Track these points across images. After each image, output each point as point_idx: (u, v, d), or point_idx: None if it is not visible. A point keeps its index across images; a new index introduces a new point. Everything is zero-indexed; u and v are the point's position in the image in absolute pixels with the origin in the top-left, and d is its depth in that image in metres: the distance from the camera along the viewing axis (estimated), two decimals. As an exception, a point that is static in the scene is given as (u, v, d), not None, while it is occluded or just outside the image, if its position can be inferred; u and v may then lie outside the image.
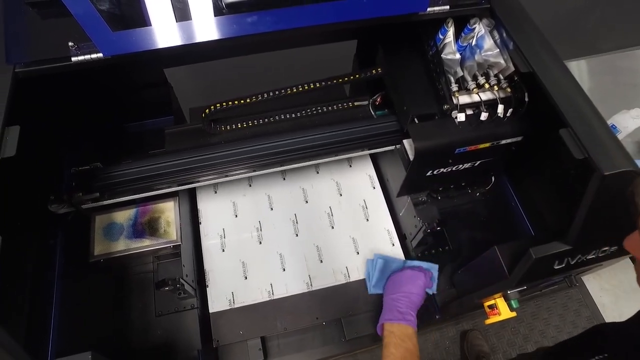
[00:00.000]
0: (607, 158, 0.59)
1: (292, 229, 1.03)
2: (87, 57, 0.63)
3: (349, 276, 0.98)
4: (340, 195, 1.07)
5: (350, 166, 1.12)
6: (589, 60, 1.50)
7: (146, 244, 0.89)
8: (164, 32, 0.62)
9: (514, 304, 0.77)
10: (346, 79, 0.94)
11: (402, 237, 1.04)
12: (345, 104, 1.00)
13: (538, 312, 1.78)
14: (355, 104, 1.01)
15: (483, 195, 1.05)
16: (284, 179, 1.09)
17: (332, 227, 1.03)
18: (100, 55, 0.63)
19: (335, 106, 1.00)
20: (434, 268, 0.94)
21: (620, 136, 1.19)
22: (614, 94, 1.44)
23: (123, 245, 0.89)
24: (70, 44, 0.62)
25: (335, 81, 0.94)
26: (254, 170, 0.89)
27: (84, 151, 0.91)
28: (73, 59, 0.63)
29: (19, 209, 0.75)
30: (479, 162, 0.88)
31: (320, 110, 0.99)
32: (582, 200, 0.62)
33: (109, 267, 0.92)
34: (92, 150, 0.92)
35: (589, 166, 0.60)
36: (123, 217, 0.92)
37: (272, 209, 1.05)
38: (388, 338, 0.77)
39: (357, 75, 0.94)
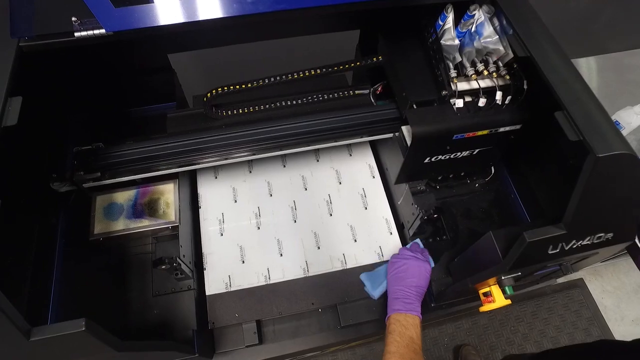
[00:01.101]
0: (602, 140, 0.59)
1: (291, 216, 1.03)
2: (90, 32, 0.64)
3: (345, 263, 0.98)
4: (340, 183, 1.08)
5: (351, 155, 1.12)
6: (596, 57, 1.50)
7: (145, 224, 0.90)
8: (166, 10, 0.64)
9: (508, 290, 0.76)
10: (347, 66, 0.95)
11: (400, 227, 1.04)
12: (346, 92, 1.01)
13: (538, 312, 1.77)
14: (357, 92, 1.02)
15: (482, 187, 1.04)
16: (284, 166, 1.10)
17: (331, 215, 1.04)
18: (102, 31, 0.64)
19: (336, 94, 1.00)
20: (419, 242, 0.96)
21: (623, 132, 1.18)
22: (620, 91, 1.43)
23: (122, 225, 0.90)
24: (73, 19, 0.63)
25: (336, 68, 0.95)
26: (255, 154, 0.90)
27: (86, 131, 0.93)
28: (76, 34, 0.64)
29: (21, 182, 0.77)
30: (477, 150, 0.88)
31: (321, 98, 0.99)
32: (576, 183, 0.62)
33: (108, 246, 0.93)
34: (95, 131, 0.93)
35: (583, 148, 0.60)
36: (123, 197, 0.93)
37: (271, 195, 1.06)
38: (394, 325, 0.79)
39: (358, 63, 0.94)
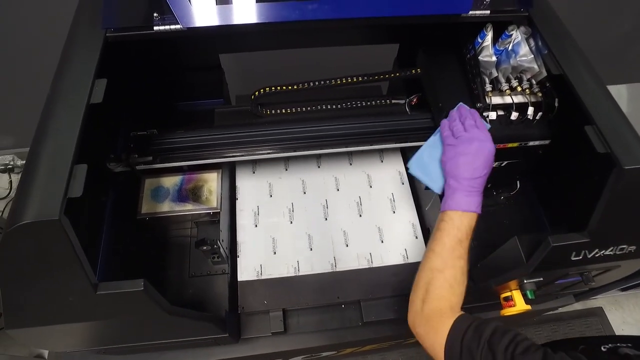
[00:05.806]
0: (628, 153, 0.63)
1: (322, 213, 1.09)
2: (168, 27, 0.72)
3: (372, 262, 1.03)
4: (370, 187, 1.13)
5: (382, 161, 1.18)
6: (628, 86, 1.53)
7: (189, 208, 0.97)
8: (241, 10, 0.72)
9: (529, 294, 0.80)
10: (387, 75, 1.02)
11: (425, 231, 1.08)
12: (383, 101, 1.08)
13: (553, 336, 1.77)
14: (393, 101, 1.08)
15: (507, 200, 1.08)
16: (319, 166, 1.16)
17: (360, 215, 1.09)
18: (179, 26, 0.72)
19: (374, 101, 1.07)
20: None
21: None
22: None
23: (167, 207, 0.97)
24: (155, 14, 0.72)
25: (377, 77, 1.02)
26: (294, 151, 0.97)
27: (138, 119, 1.01)
28: (155, 28, 0.73)
29: (88, 158, 0.84)
30: (506, 162, 0.93)
31: (359, 104, 1.06)
32: (601, 194, 0.66)
33: (152, 226, 1.00)
34: (146, 120, 1.01)
35: (610, 161, 0.64)
36: (170, 182, 1.01)
37: (305, 192, 1.12)
38: (445, 224, 0.72)
39: (397, 73, 1.01)
